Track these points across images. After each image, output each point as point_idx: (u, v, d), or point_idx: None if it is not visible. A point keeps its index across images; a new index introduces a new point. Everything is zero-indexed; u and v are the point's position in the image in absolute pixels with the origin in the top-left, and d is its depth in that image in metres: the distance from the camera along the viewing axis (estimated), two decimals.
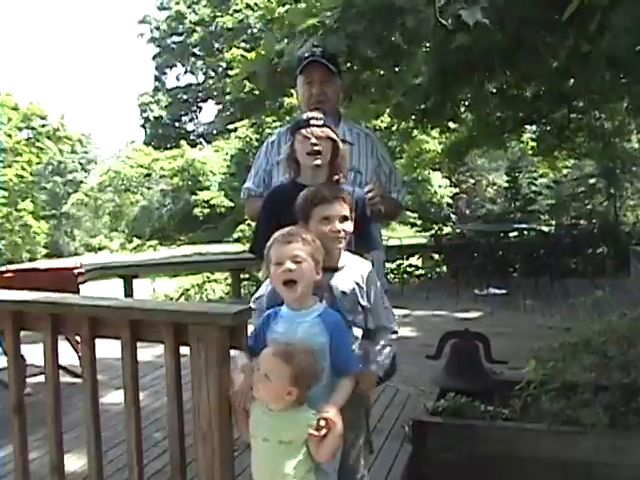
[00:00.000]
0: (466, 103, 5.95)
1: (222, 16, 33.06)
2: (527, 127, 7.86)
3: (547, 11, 3.29)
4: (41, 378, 2.45)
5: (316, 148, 2.25)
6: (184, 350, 2.13)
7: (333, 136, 2.29)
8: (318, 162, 2.27)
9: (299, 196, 2.14)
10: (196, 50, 36.04)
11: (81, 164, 40.09)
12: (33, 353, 2.82)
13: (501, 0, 3.08)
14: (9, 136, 24.21)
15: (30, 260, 24.28)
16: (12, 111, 25.19)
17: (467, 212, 19.87)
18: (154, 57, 37.00)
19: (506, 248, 9.98)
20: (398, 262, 9.90)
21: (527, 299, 7.93)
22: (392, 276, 9.59)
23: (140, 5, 77.65)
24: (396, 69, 4.65)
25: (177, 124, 37.19)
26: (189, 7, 35.29)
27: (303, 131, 2.27)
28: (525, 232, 9.94)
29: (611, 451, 2.85)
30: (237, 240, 20.28)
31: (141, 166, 29.01)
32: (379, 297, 2.18)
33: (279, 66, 3.38)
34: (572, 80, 5.32)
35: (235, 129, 26.71)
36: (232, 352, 2.07)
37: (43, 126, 27.61)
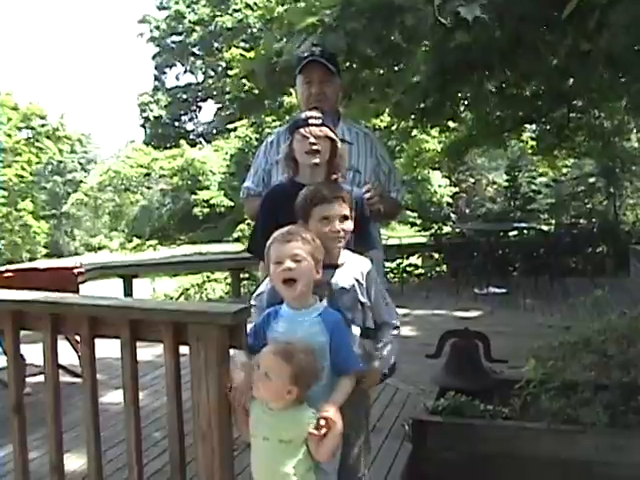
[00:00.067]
0: (466, 102, 5.94)
1: (221, 16, 33.08)
2: (527, 126, 7.85)
3: (546, 9, 3.29)
4: (41, 378, 2.45)
5: (315, 147, 2.25)
6: (184, 349, 2.12)
7: (332, 135, 2.29)
8: (317, 160, 2.27)
9: (299, 195, 2.14)
10: (195, 50, 36.05)
11: (81, 164, 40.14)
12: (33, 353, 2.82)
13: None
14: (9, 136, 24.23)
15: (30, 260, 24.31)
16: (12, 111, 25.19)
17: (467, 211, 19.85)
18: (154, 57, 37.01)
19: (506, 247, 9.99)
20: (398, 261, 9.90)
21: (527, 298, 7.93)
22: (392, 275, 9.59)
23: (140, 5, 77.66)
24: (395, 68, 4.65)
25: (177, 124, 37.19)
26: (188, 7, 35.29)
27: (302, 130, 2.27)
28: (525, 231, 9.94)
29: (611, 450, 2.85)
30: (237, 240, 20.31)
31: (141, 166, 29.02)
32: (380, 294, 2.19)
33: (278, 65, 3.38)
34: (571, 79, 5.31)
35: (235, 128, 26.74)
36: (231, 351, 2.07)
37: (43, 126, 27.60)
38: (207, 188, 26.67)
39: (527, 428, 3.03)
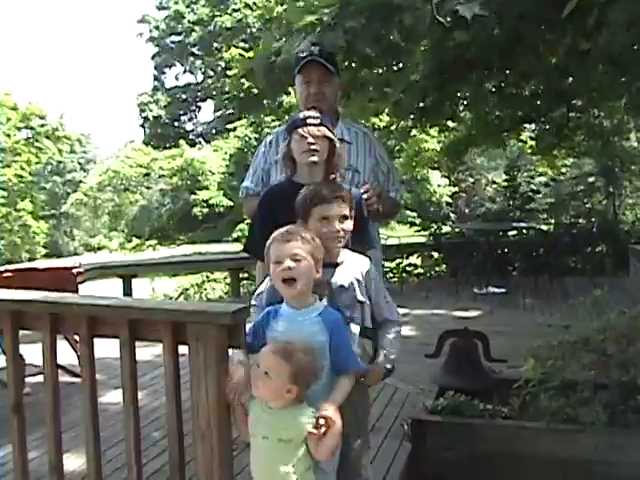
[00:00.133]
0: (465, 102, 5.94)
1: (221, 15, 33.07)
2: (526, 126, 7.83)
3: (546, 7, 3.28)
4: (40, 378, 2.44)
5: (313, 147, 2.25)
6: (183, 349, 2.12)
7: (330, 135, 2.29)
8: (315, 159, 2.27)
9: (299, 194, 2.14)
10: (195, 50, 36.05)
11: (80, 164, 40.15)
12: (32, 353, 2.82)
13: None
14: (8, 136, 24.24)
15: (29, 260, 24.31)
16: (11, 111, 25.19)
17: (466, 211, 19.84)
18: (153, 57, 37.01)
19: (505, 247, 9.99)
20: (397, 261, 9.91)
21: (526, 298, 7.93)
22: (391, 275, 9.59)
23: (139, 5, 77.65)
24: (394, 67, 4.64)
25: (176, 124, 37.19)
26: (188, 7, 35.28)
27: (300, 130, 2.26)
28: (524, 231, 9.94)
29: (610, 449, 2.85)
30: (236, 239, 20.32)
31: (140, 166, 29.02)
32: (380, 292, 2.19)
33: (276, 64, 3.38)
34: (571, 78, 5.31)
35: (234, 128, 26.75)
36: (230, 351, 2.07)
37: (42, 126, 27.58)
38: (206, 188, 26.67)
39: (526, 427, 3.02)
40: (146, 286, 10.48)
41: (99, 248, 29.29)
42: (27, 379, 3.44)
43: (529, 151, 9.55)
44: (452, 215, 18.75)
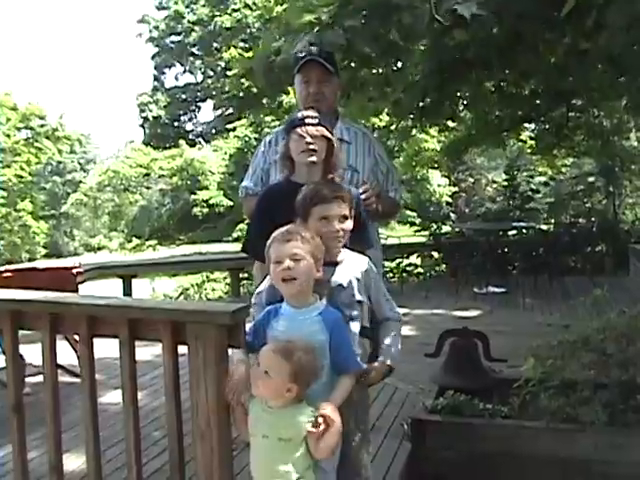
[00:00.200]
0: (464, 101, 5.94)
1: (220, 15, 33.07)
2: (526, 125, 7.83)
3: (545, 6, 3.28)
4: (40, 377, 2.45)
5: (311, 147, 2.25)
6: (182, 349, 2.12)
7: (328, 135, 2.29)
8: (313, 159, 2.26)
9: (299, 193, 2.14)
10: (195, 50, 36.06)
11: (80, 164, 40.12)
12: (32, 352, 2.82)
13: None
14: (8, 136, 24.22)
15: (29, 260, 24.30)
16: (11, 111, 25.15)
17: (466, 211, 19.86)
18: (153, 57, 37.02)
19: (505, 246, 9.99)
20: (397, 261, 9.91)
21: (526, 297, 7.93)
22: (391, 275, 9.59)
23: (139, 5, 77.65)
24: (394, 67, 4.64)
25: (176, 124, 37.20)
26: (187, 7, 35.30)
27: (298, 130, 2.26)
28: (524, 230, 9.94)
29: (610, 449, 2.85)
30: (236, 239, 20.33)
31: (140, 166, 29.03)
32: (380, 290, 2.19)
33: (276, 63, 3.37)
34: (570, 78, 5.30)
35: (234, 128, 26.74)
36: (229, 350, 2.07)
37: (42, 126, 27.54)
38: (206, 188, 26.68)
39: (526, 427, 3.03)
40: (146, 286, 10.48)
41: (99, 248, 29.29)
42: (27, 379, 3.44)
43: (529, 151, 9.56)
44: (452, 215, 18.77)
